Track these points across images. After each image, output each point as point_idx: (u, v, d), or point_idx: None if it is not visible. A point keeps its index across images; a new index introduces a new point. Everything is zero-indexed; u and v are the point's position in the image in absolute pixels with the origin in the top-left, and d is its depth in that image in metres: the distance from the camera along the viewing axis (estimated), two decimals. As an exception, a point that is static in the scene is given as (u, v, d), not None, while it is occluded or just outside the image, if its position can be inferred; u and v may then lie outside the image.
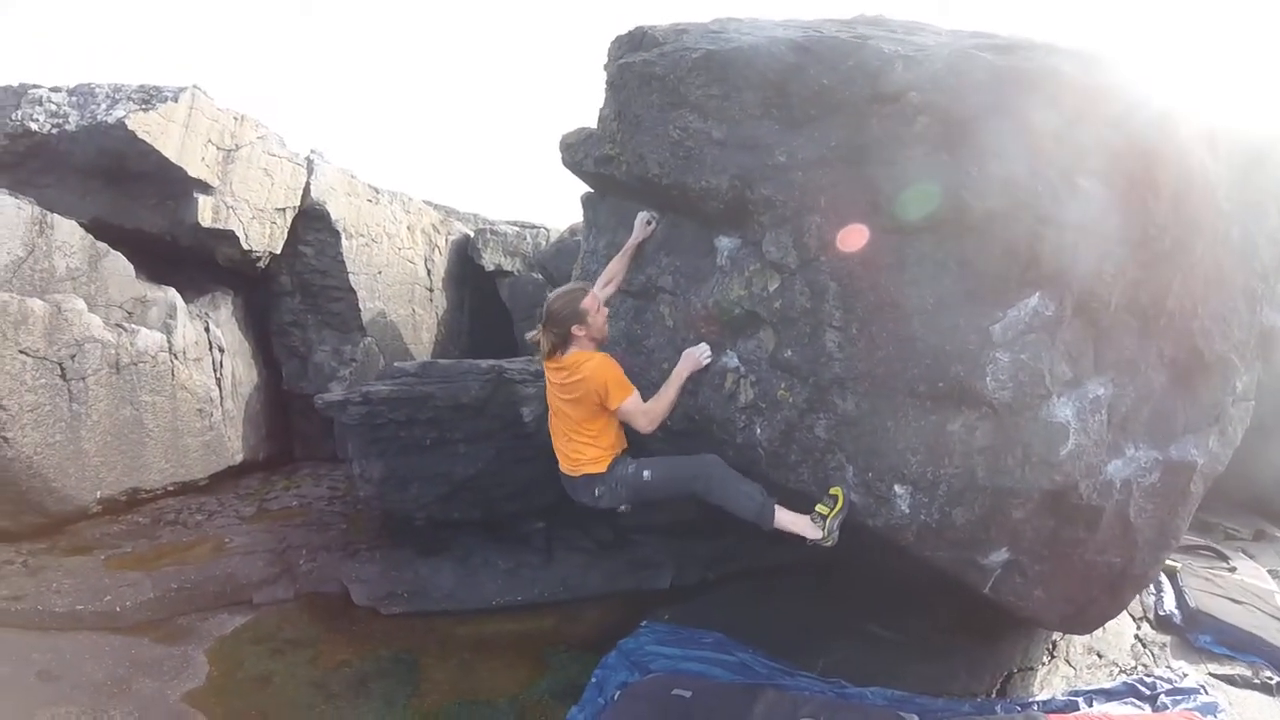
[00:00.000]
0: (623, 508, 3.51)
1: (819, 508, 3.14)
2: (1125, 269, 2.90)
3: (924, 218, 2.79)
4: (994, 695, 3.90)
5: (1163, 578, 5.02)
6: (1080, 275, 2.83)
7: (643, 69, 3.30)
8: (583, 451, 3.43)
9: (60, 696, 3.59)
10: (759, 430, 3.25)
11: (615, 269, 3.79)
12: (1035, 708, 3.71)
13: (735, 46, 3.06)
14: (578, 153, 3.89)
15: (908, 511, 3.01)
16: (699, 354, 3.42)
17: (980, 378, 2.79)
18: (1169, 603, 4.77)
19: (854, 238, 2.87)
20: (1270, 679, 4.05)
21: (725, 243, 3.36)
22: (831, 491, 3.16)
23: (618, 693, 3.67)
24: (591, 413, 3.33)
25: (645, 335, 3.79)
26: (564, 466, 3.58)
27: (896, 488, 3.00)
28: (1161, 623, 4.65)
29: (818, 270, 2.98)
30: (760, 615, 4.53)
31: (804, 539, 3.17)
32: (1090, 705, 3.75)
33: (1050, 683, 4.05)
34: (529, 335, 3.44)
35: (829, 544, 3.13)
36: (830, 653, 4.10)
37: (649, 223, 3.74)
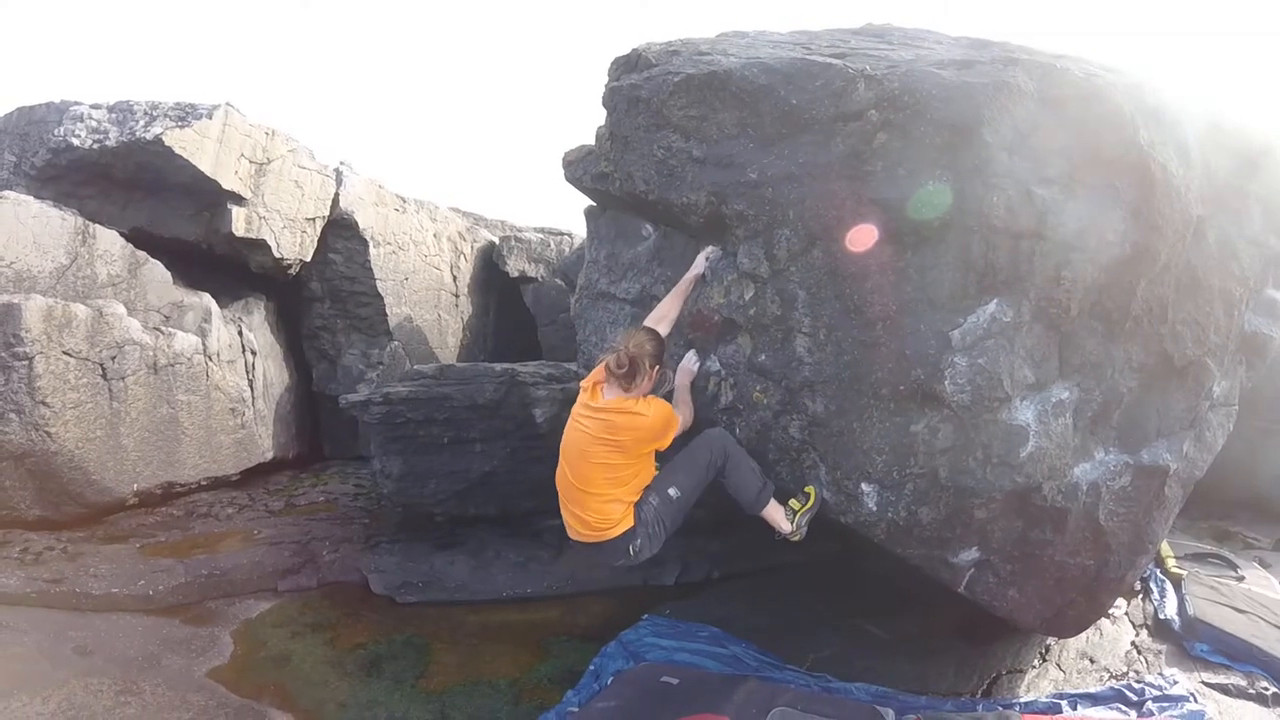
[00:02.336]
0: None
1: (792, 502, 3.34)
2: (1085, 275, 3.01)
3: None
4: (979, 695, 3.94)
5: (1166, 584, 5.02)
6: (1038, 282, 2.96)
7: (630, 92, 3.52)
8: (612, 509, 3.18)
9: (94, 669, 3.83)
10: (739, 430, 3.44)
11: (670, 306, 3.54)
12: (1016, 709, 3.70)
13: (711, 70, 3.26)
14: (578, 169, 4.12)
15: (875, 509, 3.19)
16: (690, 364, 3.56)
17: (940, 381, 2.96)
18: (1169, 609, 4.72)
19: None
20: (1266, 689, 3.97)
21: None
22: (806, 489, 3.35)
23: (611, 679, 3.85)
24: (634, 456, 3.17)
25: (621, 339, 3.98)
26: (585, 533, 3.27)
27: (864, 486, 3.18)
28: (1160, 629, 4.60)
29: (787, 280, 3.17)
30: (758, 611, 4.69)
31: (775, 531, 3.34)
32: (1074, 709, 3.75)
33: (1038, 686, 4.06)
34: (616, 357, 3.16)
35: (796, 539, 3.32)
36: (821, 648, 4.22)
37: (709, 257, 3.55)
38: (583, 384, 3.37)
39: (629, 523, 3.19)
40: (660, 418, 3.18)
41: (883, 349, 3.05)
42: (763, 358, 3.30)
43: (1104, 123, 3.00)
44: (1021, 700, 3.88)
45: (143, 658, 4.04)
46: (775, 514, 3.36)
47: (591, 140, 4.21)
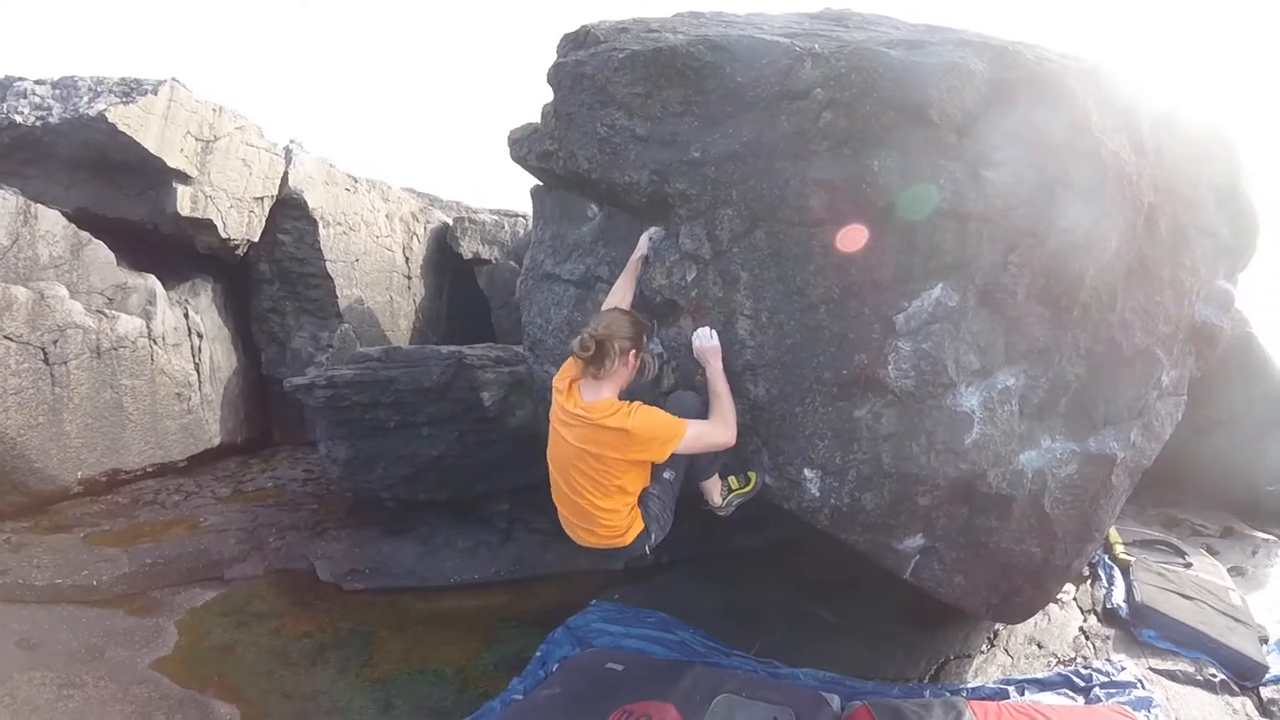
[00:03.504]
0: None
1: (731, 479, 3.23)
2: (1033, 260, 2.91)
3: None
4: (926, 681, 3.90)
5: (1115, 570, 5.01)
6: (984, 266, 2.87)
7: (574, 68, 3.36)
8: (618, 518, 2.87)
9: (37, 662, 3.74)
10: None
11: (623, 290, 3.27)
12: (964, 694, 3.63)
13: (656, 47, 3.11)
14: (523, 148, 3.94)
15: (818, 495, 3.08)
16: (709, 340, 3.00)
17: (883, 366, 2.86)
18: (1118, 596, 4.70)
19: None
20: (1214, 676, 3.96)
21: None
22: (748, 473, 3.24)
23: (557, 666, 3.77)
24: (622, 469, 2.79)
25: (585, 322, 3.83)
26: (594, 542, 2.98)
27: (806, 471, 3.07)
28: (1108, 616, 4.58)
29: (730, 261, 3.04)
30: (708, 596, 4.63)
31: (704, 501, 3.23)
32: (1022, 694, 3.72)
33: (985, 671, 4.03)
34: (580, 339, 2.77)
35: (723, 514, 3.22)
36: (770, 633, 4.16)
37: (651, 237, 3.33)
38: (555, 382, 2.95)
39: (639, 525, 2.91)
40: (646, 433, 2.71)
41: (825, 332, 2.93)
42: (701, 343, 3.15)
43: (1056, 107, 2.91)
44: (969, 686, 3.84)
45: (86, 650, 3.94)
46: (713, 488, 3.21)
47: (519, 125, 4.05)
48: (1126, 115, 3.18)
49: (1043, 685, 3.82)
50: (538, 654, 3.93)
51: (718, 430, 2.88)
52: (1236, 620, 4.42)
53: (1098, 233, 3.00)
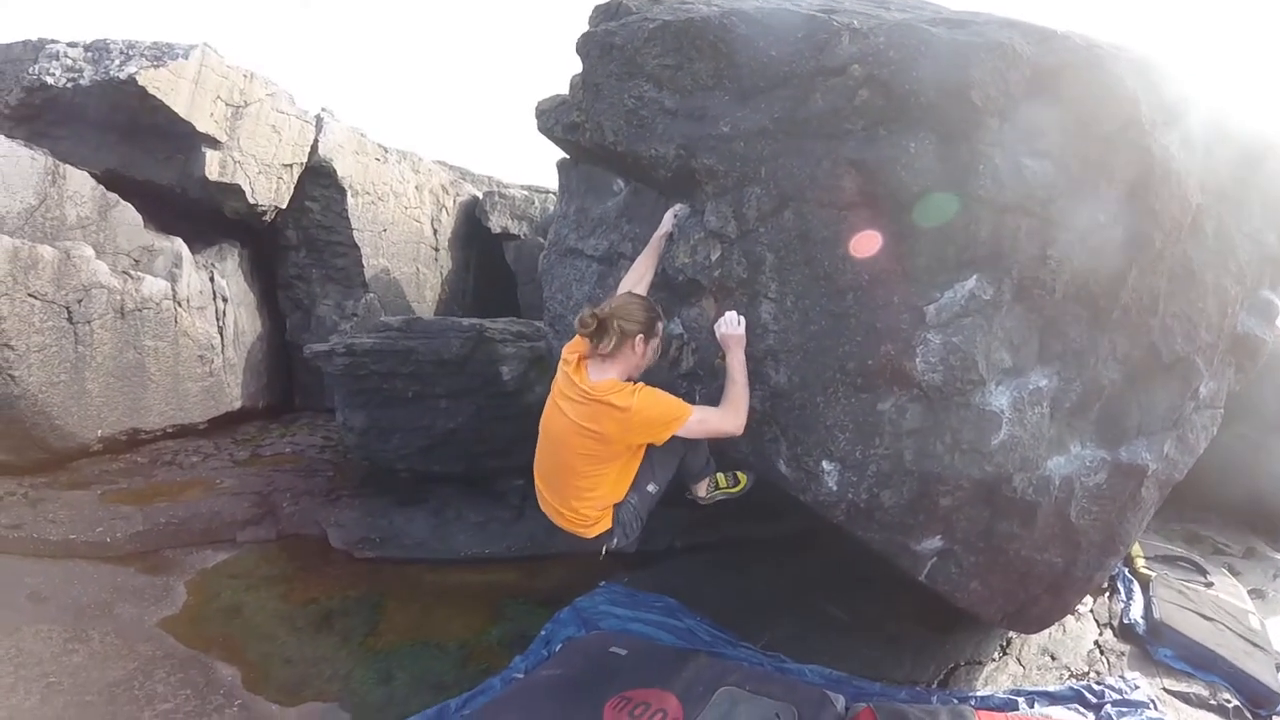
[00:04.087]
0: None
1: (720, 476, 3.15)
2: (1073, 256, 2.74)
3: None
4: (934, 686, 3.77)
5: (1134, 584, 4.84)
6: (1022, 259, 2.69)
7: (603, 38, 3.23)
8: (590, 509, 2.82)
9: (45, 616, 3.72)
10: (698, 397, 3.18)
11: (645, 268, 3.15)
12: (972, 702, 3.51)
13: (689, 18, 2.97)
14: (549, 119, 3.83)
15: (835, 489, 2.95)
16: (734, 327, 2.88)
17: (910, 358, 2.70)
18: (1135, 611, 4.53)
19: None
20: (1228, 701, 3.80)
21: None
22: (740, 473, 3.17)
23: (560, 646, 3.69)
24: (620, 451, 2.74)
25: (605, 299, 3.73)
26: (561, 524, 2.95)
27: (825, 464, 2.93)
28: (1124, 631, 4.41)
29: (755, 241, 2.91)
30: (718, 585, 4.52)
31: (687, 490, 3.17)
32: (1031, 706, 3.58)
33: (996, 680, 3.90)
34: (582, 315, 2.70)
35: (703, 503, 3.20)
36: (779, 628, 4.05)
37: (676, 214, 3.21)
38: (565, 353, 2.90)
39: (606, 524, 2.86)
40: (648, 413, 2.63)
41: (852, 320, 2.78)
42: (728, 328, 3.02)
43: (1104, 95, 2.71)
44: (978, 694, 3.69)
45: (95, 605, 3.92)
46: (701, 484, 3.16)
47: (548, 96, 3.96)
48: (1177, 110, 2.99)
49: (1053, 699, 3.68)
50: (542, 633, 3.85)
51: (726, 417, 2.76)
52: (1255, 645, 4.25)
53: (1142, 231, 2.83)
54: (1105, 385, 3.05)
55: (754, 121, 2.85)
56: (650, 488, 2.90)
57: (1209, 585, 4.93)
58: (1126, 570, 5.03)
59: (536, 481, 3.00)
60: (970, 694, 3.69)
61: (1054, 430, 2.97)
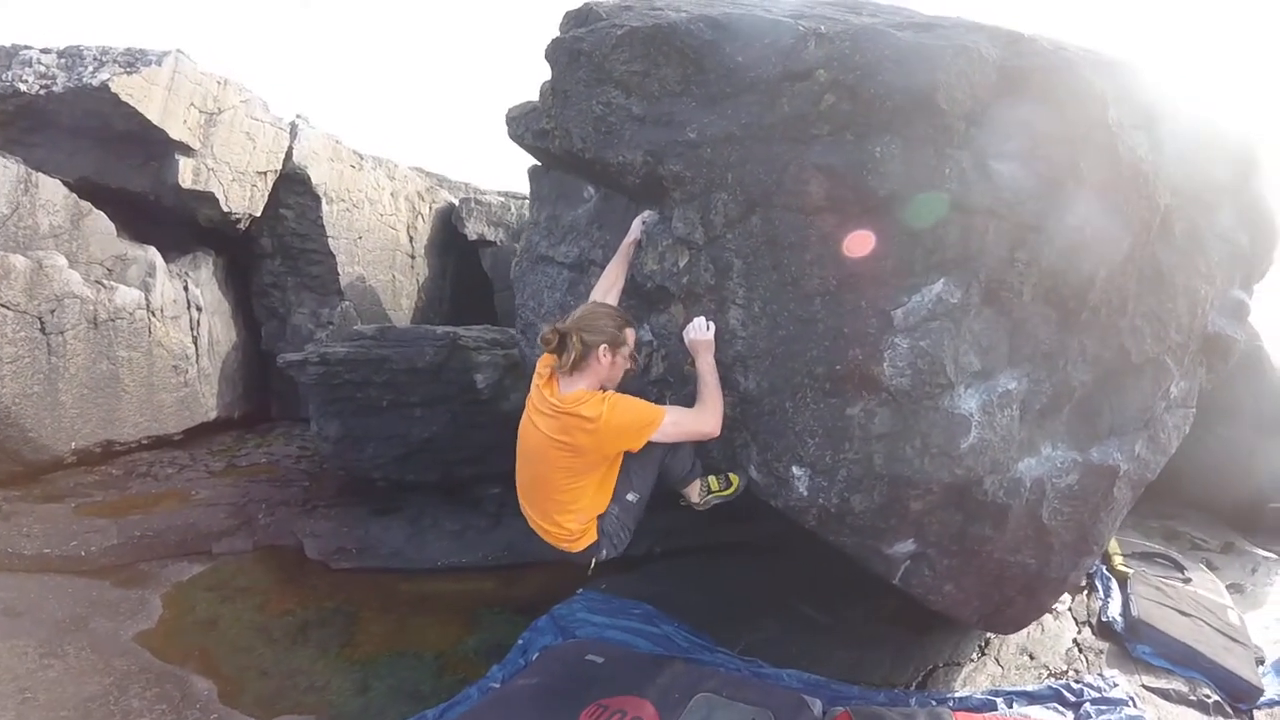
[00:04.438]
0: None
1: (711, 479, 3.10)
2: (1041, 258, 2.74)
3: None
4: (913, 687, 3.77)
5: (1112, 582, 4.87)
6: (989, 262, 2.69)
7: (572, 44, 3.22)
8: (574, 523, 2.79)
9: (19, 631, 3.68)
10: (669, 403, 3.16)
11: (615, 275, 3.15)
12: (950, 703, 3.51)
13: (655, 24, 2.95)
14: (519, 126, 3.82)
15: (806, 494, 2.93)
16: (702, 333, 2.86)
17: (878, 363, 2.68)
18: (1114, 609, 4.55)
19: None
20: (1208, 697, 3.81)
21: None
22: (731, 474, 3.11)
23: (537, 655, 3.67)
24: (597, 462, 2.70)
25: (576, 307, 3.71)
26: (551, 541, 2.91)
27: (795, 469, 2.92)
28: (1103, 629, 4.42)
29: (723, 247, 2.89)
30: (696, 590, 4.50)
31: (682, 497, 3.13)
32: (1010, 706, 3.58)
33: (974, 680, 3.90)
34: (543, 332, 2.72)
35: (699, 509, 3.14)
36: (757, 631, 4.05)
37: (644, 221, 3.21)
38: (538, 367, 2.87)
39: (592, 536, 2.83)
40: (620, 420, 2.60)
41: (820, 325, 2.77)
42: (695, 334, 3.00)
43: (1071, 98, 2.73)
44: (956, 695, 3.69)
45: (70, 620, 3.89)
46: (692, 487, 3.10)
47: (517, 103, 3.96)
48: (1146, 112, 3.00)
49: (1032, 698, 3.68)
50: (520, 642, 3.83)
51: (702, 418, 2.75)
52: (1233, 640, 4.27)
53: (1111, 232, 2.83)
54: (1075, 386, 3.05)
55: (721, 127, 2.83)
56: (630, 496, 2.86)
57: (1187, 581, 4.96)
58: (1104, 568, 5.05)
59: (520, 499, 2.97)
60: (949, 695, 3.70)
61: (1024, 432, 2.96)
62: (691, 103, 2.95)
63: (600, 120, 3.13)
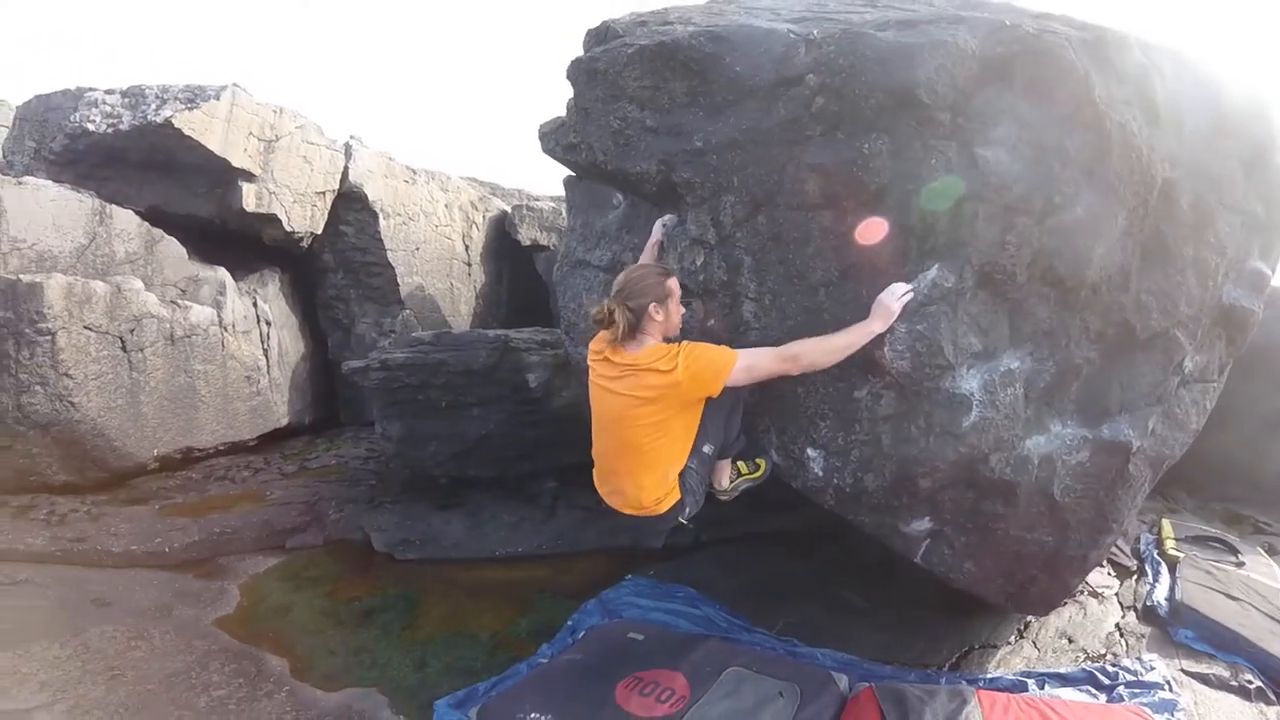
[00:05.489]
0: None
1: (740, 464, 3.34)
2: (1031, 239, 2.90)
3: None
4: (946, 668, 3.88)
5: (1161, 567, 4.88)
6: (981, 247, 2.87)
7: (588, 65, 3.50)
8: (659, 485, 2.88)
9: (110, 618, 4.09)
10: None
11: None
12: (980, 683, 3.61)
13: (661, 41, 3.22)
14: (550, 141, 4.12)
15: (821, 475, 3.19)
16: (897, 303, 2.84)
17: (879, 347, 2.91)
18: (1159, 593, 4.56)
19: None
20: (1250, 682, 3.76)
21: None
22: (758, 460, 3.35)
23: (583, 634, 3.96)
24: (676, 413, 2.79)
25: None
26: (633, 508, 2.98)
27: (809, 451, 3.18)
28: (1147, 614, 4.44)
29: (733, 246, 3.16)
30: (739, 575, 4.75)
31: (712, 485, 3.29)
32: (1042, 688, 3.64)
33: (1009, 662, 3.98)
34: (593, 312, 2.85)
35: (725, 498, 3.32)
36: (794, 613, 4.26)
37: (665, 225, 3.45)
38: (591, 347, 3.02)
39: (675, 495, 2.92)
40: (695, 365, 2.71)
41: (825, 314, 3.02)
42: (712, 322, 3.30)
43: (1055, 80, 2.85)
44: (987, 676, 3.79)
45: (155, 608, 4.29)
46: (722, 470, 3.27)
47: (549, 119, 4.25)
48: (1138, 85, 3.08)
49: (1065, 680, 3.74)
50: (569, 623, 4.13)
51: (781, 357, 2.80)
52: None
53: (1103, 209, 2.96)
54: (1081, 364, 3.19)
55: (724, 134, 3.11)
56: (706, 449, 2.94)
57: (1240, 565, 4.94)
58: (1155, 552, 5.09)
59: (599, 480, 3.09)
60: (979, 675, 3.80)
61: (1031, 411, 3.13)
62: (698, 112, 3.23)
63: (618, 134, 3.43)
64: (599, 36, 3.81)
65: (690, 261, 3.30)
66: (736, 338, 3.19)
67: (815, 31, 3.02)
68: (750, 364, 2.77)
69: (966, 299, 2.93)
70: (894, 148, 2.82)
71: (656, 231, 3.50)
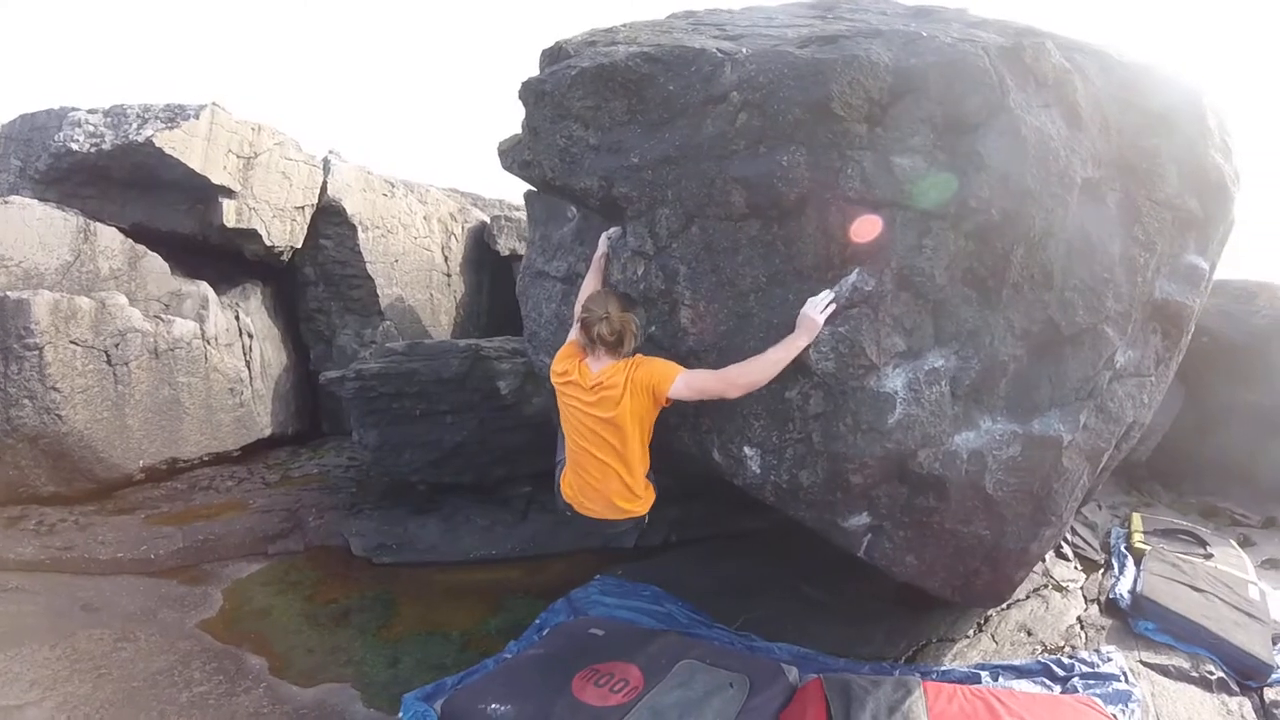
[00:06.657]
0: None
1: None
2: (948, 243, 3.09)
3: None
4: (902, 662, 4.02)
5: (1128, 560, 5.04)
6: (899, 250, 3.08)
7: (537, 86, 3.71)
8: (638, 481, 3.32)
9: (97, 622, 4.33)
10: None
11: (593, 286, 3.65)
12: (933, 675, 3.73)
13: (599, 63, 3.44)
14: (508, 158, 4.31)
15: (759, 472, 3.42)
16: (820, 314, 3.09)
17: (805, 350, 3.12)
18: (1123, 586, 4.69)
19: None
20: (1211, 673, 3.87)
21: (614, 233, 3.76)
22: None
23: (548, 630, 4.20)
24: (640, 415, 3.18)
25: (572, 315, 4.19)
26: (608, 512, 3.38)
27: (746, 449, 3.41)
28: (1109, 606, 4.58)
29: (669, 256, 3.40)
30: (706, 574, 4.99)
31: None
32: (995, 680, 3.76)
33: (966, 655, 4.09)
34: (600, 333, 3.17)
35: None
36: (755, 609, 4.46)
37: (609, 237, 3.73)
38: (555, 367, 3.40)
39: (653, 493, 3.40)
40: (648, 367, 3.16)
41: (755, 319, 3.26)
42: (654, 329, 3.53)
43: (970, 89, 3.02)
44: (939, 669, 3.92)
45: (141, 612, 4.56)
46: None
47: (507, 136, 4.44)
48: (1057, 88, 3.23)
49: (1019, 672, 3.86)
50: (536, 621, 4.38)
51: (721, 378, 3.11)
52: (1249, 616, 4.34)
53: (1020, 211, 3.09)
54: (1008, 361, 3.36)
55: (659, 150, 3.35)
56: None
57: (1208, 557, 5.07)
58: (1123, 545, 5.26)
59: (577, 493, 3.42)
60: (933, 668, 3.94)
61: (958, 408, 3.33)
62: (637, 130, 3.47)
63: (564, 151, 3.66)
64: (553, 55, 4.03)
65: (632, 272, 3.54)
66: (675, 343, 3.43)
67: (744, 50, 3.26)
68: (690, 380, 3.13)
69: (888, 301, 3.14)
70: (811, 159, 3.06)
71: (602, 244, 3.75)
